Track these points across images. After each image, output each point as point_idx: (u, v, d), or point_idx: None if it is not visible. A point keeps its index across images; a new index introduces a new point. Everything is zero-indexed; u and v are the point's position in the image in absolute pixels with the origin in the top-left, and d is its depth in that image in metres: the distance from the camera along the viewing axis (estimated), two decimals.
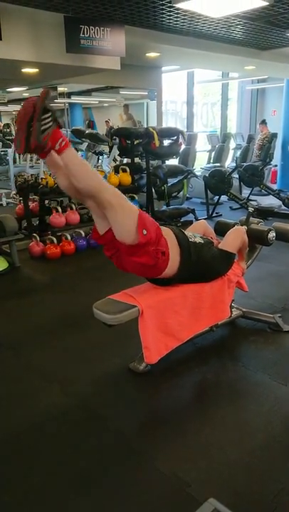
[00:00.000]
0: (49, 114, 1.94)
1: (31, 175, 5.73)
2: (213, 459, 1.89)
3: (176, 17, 4.50)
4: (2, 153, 9.72)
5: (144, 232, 2.16)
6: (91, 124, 10.87)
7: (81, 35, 4.09)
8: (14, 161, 9.62)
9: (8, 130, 10.72)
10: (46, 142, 1.96)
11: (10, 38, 3.93)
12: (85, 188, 2.11)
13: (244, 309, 3.19)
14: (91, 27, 4.14)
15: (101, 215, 2.22)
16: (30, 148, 1.95)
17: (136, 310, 2.34)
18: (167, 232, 2.42)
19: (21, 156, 10.08)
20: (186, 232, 2.57)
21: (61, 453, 1.98)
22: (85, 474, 1.84)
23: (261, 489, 1.73)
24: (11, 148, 9.35)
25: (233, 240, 2.78)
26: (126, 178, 5.79)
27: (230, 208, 7.38)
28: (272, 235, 3.02)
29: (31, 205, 5.47)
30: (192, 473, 1.81)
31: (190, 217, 6.21)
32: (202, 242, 2.57)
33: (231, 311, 2.99)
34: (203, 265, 2.52)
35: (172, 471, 1.82)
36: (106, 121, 10.34)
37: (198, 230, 2.84)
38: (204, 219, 5.88)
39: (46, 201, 5.38)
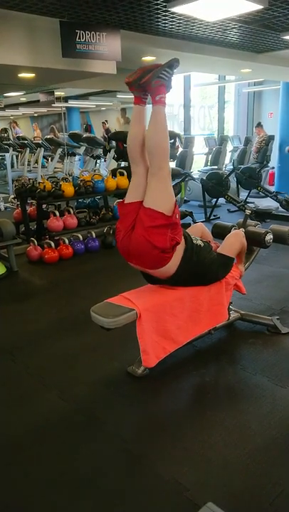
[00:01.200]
0: (171, 72, 2.22)
1: (29, 179, 5.73)
2: (211, 463, 1.89)
3: (172, 21, 4.52)
4: (0, 157, 9.74)
5: (177, 216, 2.26)
6: (88, 128, 10.91)
7: (77, 39, 4.09)
8: (12, 166, 9.63)
9: (5, 135, 10.74)
10: (155, 86, 2.20)
11: (5, 43, 3.94)
12: (155, 142, 2.22)
13: (242, 312, 3.19)
14: (87, 32, 4.15)
15: (140, 184, 2.31)
16: (141, 81, 2.22)
17: (133, 313, 2.34)
18: None
19: (19, 160, 10.10)
20: (191, 235, 2.57)
21: (59, 457, 1.97)
22: (83, 478, 1.83)
23: (260, 492, 1.72)
24: (8, 152, 9.37)
25: (233, 243, 2.78)
26: (123, 181, 5.79)
27: (228, 210, 7.39)
28: (269, 237, 3.03)
29: (29, 209, 5.48)
30: (191, 476, 1.81)
31: (188, 220, 6.21)
32: (202, 245, 2.57)
33: (229, 314, 2.99)
34: (202, 268, 2.52)
35: (171, 475, 1.82)
36: (103, 123, 10.37)
37: (196, 233, 2.82)
38: (202, 222, 5.89)
39: (44, 205, 5.38)
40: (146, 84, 2.22)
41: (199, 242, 2.56)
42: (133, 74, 2.26)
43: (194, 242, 2.51)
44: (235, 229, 3.06)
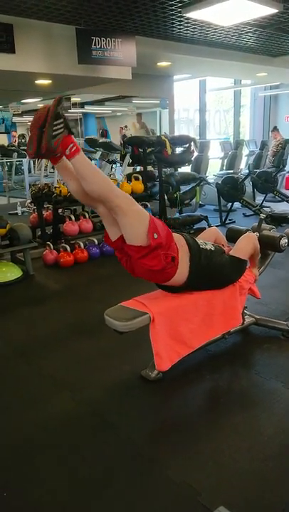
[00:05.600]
0: (61, 120, 2.01)
1: (45, 184, 5.80)
2: (224, 468, 1.88)
3: (187, 26, 4.54)
4: (17, 163, 9.89)
5: (155, 235, 2.19)
6: (104, 133, 10.99)
7: (93, 46, 4.16)
8: (29, 171, 9.76)
9: (23, 140, 10.91)
10: (57, 147, 2.01)
11: (23, 50, 4.03)
12: (96, 191, 2.14)
13: (257, 316, 3.16)
14: (102, 38, 4.21)
15: (112, 222, 2.25)
16: (41, 152, 2.00)
17: (147, 317, 2.34)
18: (178, 239, 2.43)
19: (36, 165, 10.24)
20: (197, 240, 2.57)
21: (71, 459, 1.99)
22: (94, 481, 1.84)
23: (273, 498, 1.70)
24: (26, 158, 9.51)
25: (244, 246, 2.76)
26: (138, 186, 5.82)
27: (244, 214, 7.35)
28: (284, 241, 3.00)
29: (45, 213, 5.55)
30: (203, 481, 1.80)
31: (203, 224, 6.19)
32: (213, 249, 2.57)
33: (244, 318, 2.97)
34: (213, 272, 2.52)
35: (183, 479, 1.81)
36: (121, 128, 10.42)
37: (209, 237, 2.83)
38: (217, 226, 5.86)
39: (60, 210, 5.44)
40: (49, 151, 2.01)
41: (209, 247, 2.56)
42: (30, 146, 2.03)
43: (202, 247, 2.51)
44: (248, 232, 3.05)
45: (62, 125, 2.01)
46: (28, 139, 2.03)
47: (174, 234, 2.49)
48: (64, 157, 2.11)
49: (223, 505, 1.56)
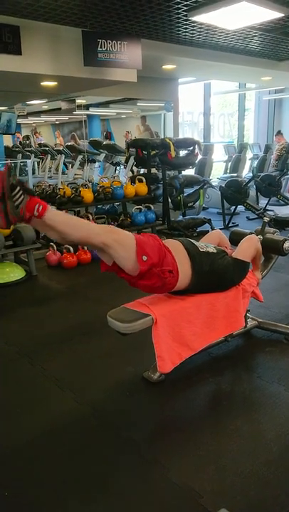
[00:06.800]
0: (18, 189, 1.99)
1: (49, 185, 5.82)
2: (226, 470, 1.87)
3: (192, 30, 4.56)
4: (22, 164, 9.92)
5: (144, 258, 2.20)
6: (108, 135, 11.01)
7: (98, 48, 4.18)
8: (33, 172, 9.78)
9: (27, 142, 10.94)
10: (24, 214, 2.02)
11: (29, 52, 4.05)
12: (77, 239, 2.20)
13: (260, 320, 3.16)
14: (108, 41, 4.23)
15: (103, 251, 2.26)
16: (12, 222, 2.02)
17: (149, 319, 2.35)
18: (176, 246, 2.44)
19: (40, 166, 10.27)
20: (197, 243, 2.57)
21: (72, 460, 1.99)
22: (95, 483, 1.84)
23: (274, 502, 1.70)
24: (30, 159, 9.54)
25: (247, 248, 2.76)
26: (142, 188, 5.83)
27: (247, 218, 7.35)
28: (287, 244, 3.00)
29: None
30: (205, 484, 1.80)
31: (206, 227, 6.20)
32: (214, 251, 2.57)
33: (246, 322, 2.97)
34: (216, 274, 2.52)
35: (184, 482, 1.81)
36: (127, 132, 10.46)
37: (213, 240, 2.84)
38: (221, 229, 5.86)
39: (63, 211, 5.45)
40: (18, 220, 2.04)
41: (210, 249, 2.56)
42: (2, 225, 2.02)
43: (202, 250, 2.51)
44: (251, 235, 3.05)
45: (20, 193, 2.00)
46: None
47: (170, 241, 2.50)
48: (39, 215, 2.07)
49: (225, 508, 1.55)
